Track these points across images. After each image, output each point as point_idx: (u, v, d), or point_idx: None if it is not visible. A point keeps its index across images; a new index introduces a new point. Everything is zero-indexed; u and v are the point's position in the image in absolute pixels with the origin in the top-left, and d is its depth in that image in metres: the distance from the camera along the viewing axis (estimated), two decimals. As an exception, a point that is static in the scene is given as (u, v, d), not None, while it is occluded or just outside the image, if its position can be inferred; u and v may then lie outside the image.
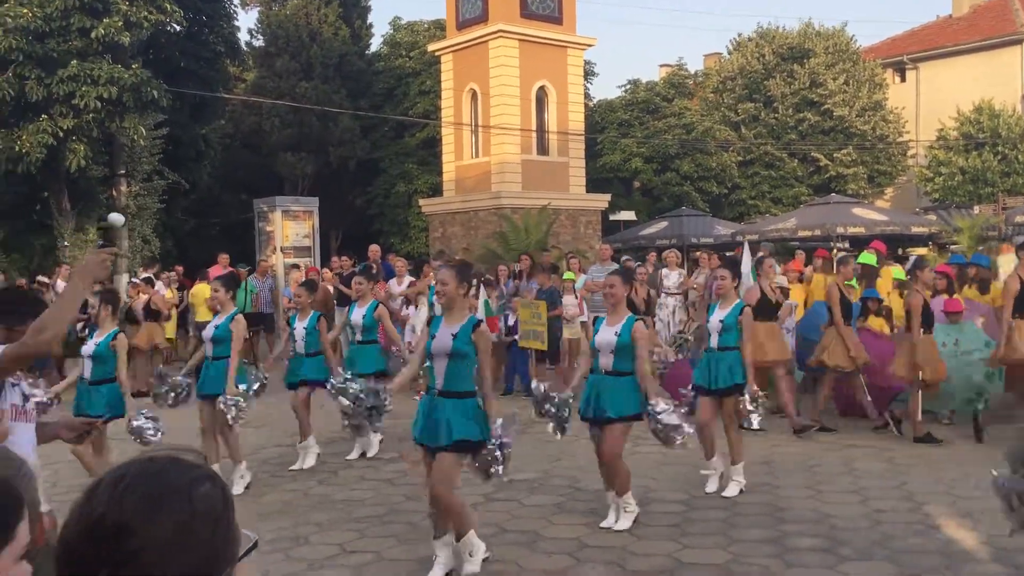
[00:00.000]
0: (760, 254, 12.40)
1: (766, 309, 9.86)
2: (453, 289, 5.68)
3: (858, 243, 22.04)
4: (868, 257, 11.91)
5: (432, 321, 5.94)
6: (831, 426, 9.93)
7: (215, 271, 16.10)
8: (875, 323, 10.68)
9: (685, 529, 6.57)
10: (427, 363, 5.83)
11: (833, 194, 26.70)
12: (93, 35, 17.89)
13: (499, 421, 5.72)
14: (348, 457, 9.15)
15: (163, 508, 1.20)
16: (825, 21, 47.98)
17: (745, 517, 6.80)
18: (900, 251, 23.88)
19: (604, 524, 6.60)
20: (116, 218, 3.50)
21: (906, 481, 7.70)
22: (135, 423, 7.39)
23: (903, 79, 36.68)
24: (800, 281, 12.93)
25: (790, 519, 6.71)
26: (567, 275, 13.85)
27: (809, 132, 32.43)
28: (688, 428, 6.48)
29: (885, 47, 37.76)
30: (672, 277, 15.39)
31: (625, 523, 6.53)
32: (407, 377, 6.49)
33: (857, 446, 9.16)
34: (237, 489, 8.00)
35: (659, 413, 6.37)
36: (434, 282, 6.09)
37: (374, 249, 16.45)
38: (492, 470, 5.68)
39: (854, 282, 11.78)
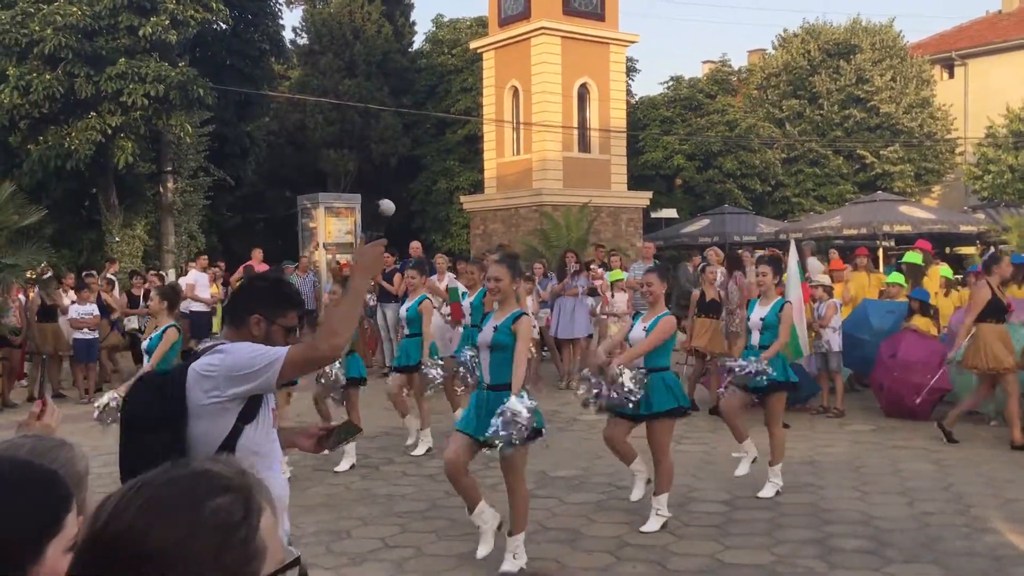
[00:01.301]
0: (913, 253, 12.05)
1: (996, 310, 9.02)
2: (507, 285, 5.68)
3: (904, 241, 21.74)
4: (914, 256, 11.74)
5: (484, 316, 5.99)
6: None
7: (250, 267, 16.29)
8: (921, 323, 10.53)
9: (727, 529, 6.52)
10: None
11: (879, 192, 26.35)
12: (141, 33, 18.17)
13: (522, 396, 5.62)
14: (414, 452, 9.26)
15: (165, 518, 1.13)
16: (872, 17, 47.39)
17: (789, 517, 6.73)
18: (948, 250, 23.52)
19: (633, 498, 6.78)
20: (388, 206, 3.29)
21: (953, 483, 7.58)
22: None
23: (951, 75, 36.07)
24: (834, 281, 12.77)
25: (835, 520, 6.63)
26: (615, 273, 13.78)
27: (855, 129, 32.02)
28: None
29: (933, 43, 37.17)
30: (719, 274, 15.28)
31: (653, 525, 6.47)
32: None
33: (903, 447, 9.04)
34: None
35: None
36: (485, 280, 6.04)
37: (415, 246, 16.47)
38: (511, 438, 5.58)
39: (902, 280, 11.63)
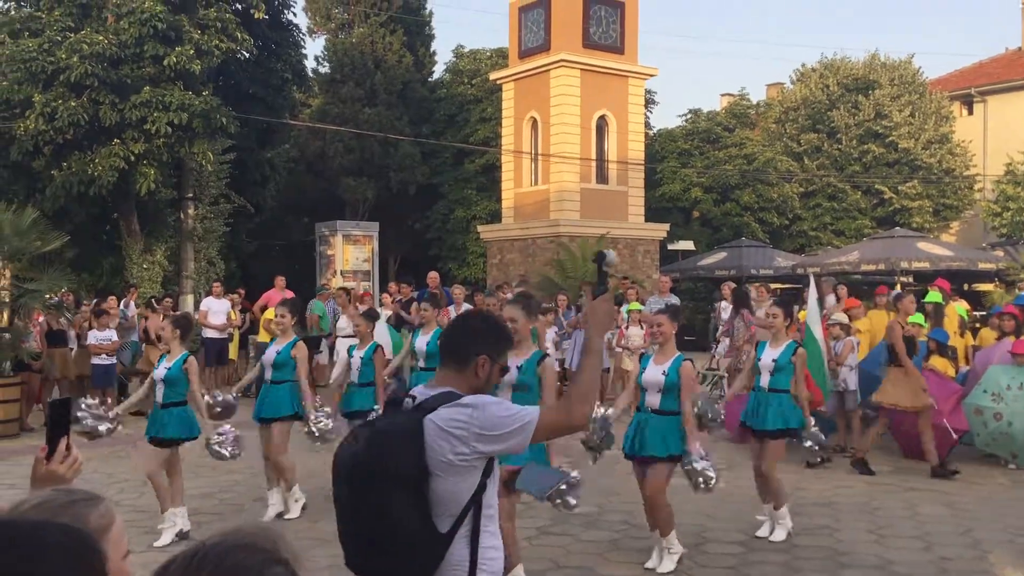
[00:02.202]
0: (897, 291, 12.13)
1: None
2: (524, 325, 5.72)
3: (923, 278, 21.68)
4: (935, 296, 11.69)
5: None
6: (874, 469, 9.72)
7: (273, 294, 16.34)
8: (939, 363, 10.48)
9: (743, 572, 6.49)
10: None
11: (897, 227, 26.28)
12: (165, 62, 18.41)
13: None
14: None
15: None
16: (891, 53, 47.39)
17: (805, 561, 6.69)
18: (966, 287, 23.40)
19: (648, 565, 6.53)
20: (612, 258, 3.19)
21: (972, 527, 7.53)
22: (213, 444, 7.59)
23: (970, 112, 36.05)
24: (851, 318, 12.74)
25: (851, 564, 6.59)
26: (632, 305, 13.79)
27: (873, 164, 31.99)
28: (712, 474, 6.36)
29: (952, 79, 37.18)
30: (730, 310, 15.24)
31: (669, 565, 6.44)
32: None
33: (918, 489, 8.98)
34: (294, 512, 8.10)
35: (693, 461, 6.30)
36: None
37: (433, 276, 16.50)
38: (562, 501, 5.68)
39: (922, 320, 11.59)
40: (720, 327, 15.04)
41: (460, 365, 2.88)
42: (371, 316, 9.56)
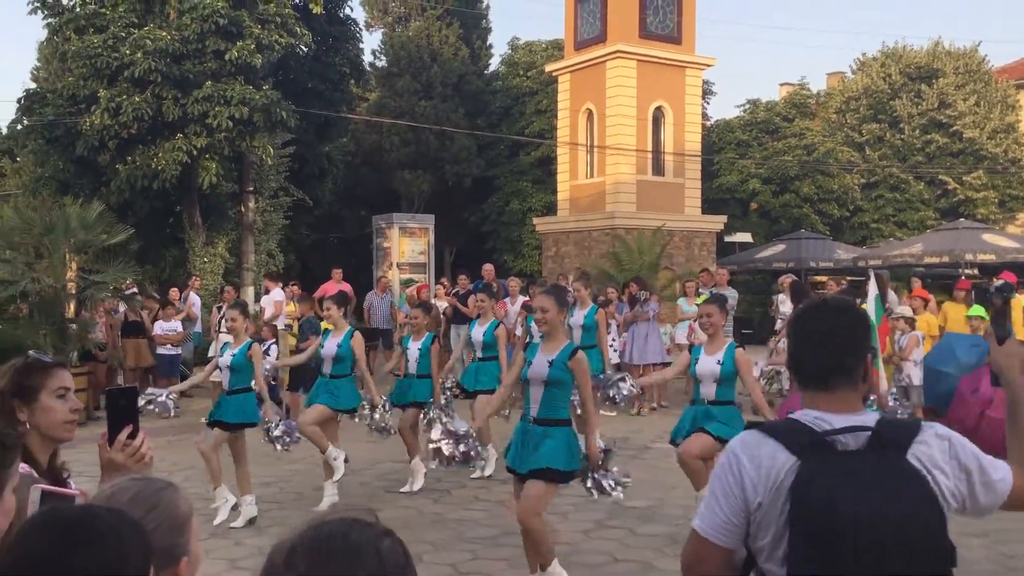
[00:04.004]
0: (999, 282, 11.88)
1: None
2: (554, 316, 5.68)
3: (988, 271, 21.18)
4: (978, 310, 11.44)
5: (528, 347, 5.94)
6: None
7: (329, 286, 16.48)
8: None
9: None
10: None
11: (961, 219, 25.72)
12: (227, 57, 18.68)
13: (602, 445, 5.72)
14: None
15: (359, 565, 1.29)
16: (955, 41, 46.44)
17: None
18: (1033, 280, 22.83)
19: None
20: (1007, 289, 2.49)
21: (1039, 526, 7.35)
22: (273, 431, 7.75)
23: (1038, 100, 35.11)
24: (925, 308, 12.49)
25: (914, 562, 6.48)
26: (702, 299, 13.67)
27: (937, 154, 31.34)
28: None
29: (1019, 68, 36.23)
30: (788, 303, 15.04)
31: None
32: (495, 408, 6.59)
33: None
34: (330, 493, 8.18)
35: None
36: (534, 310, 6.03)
37: (488, 268, 16.55)
38: (606, 492, 5.68)
39: (983, 312, 11.34)
40: (780, 320, 14.87)
41: (853, 375, 2.22)
42: (426, 308, 9.67)
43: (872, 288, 9.67)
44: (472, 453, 6.16)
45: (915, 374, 10.51)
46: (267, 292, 15.46)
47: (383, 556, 1.31)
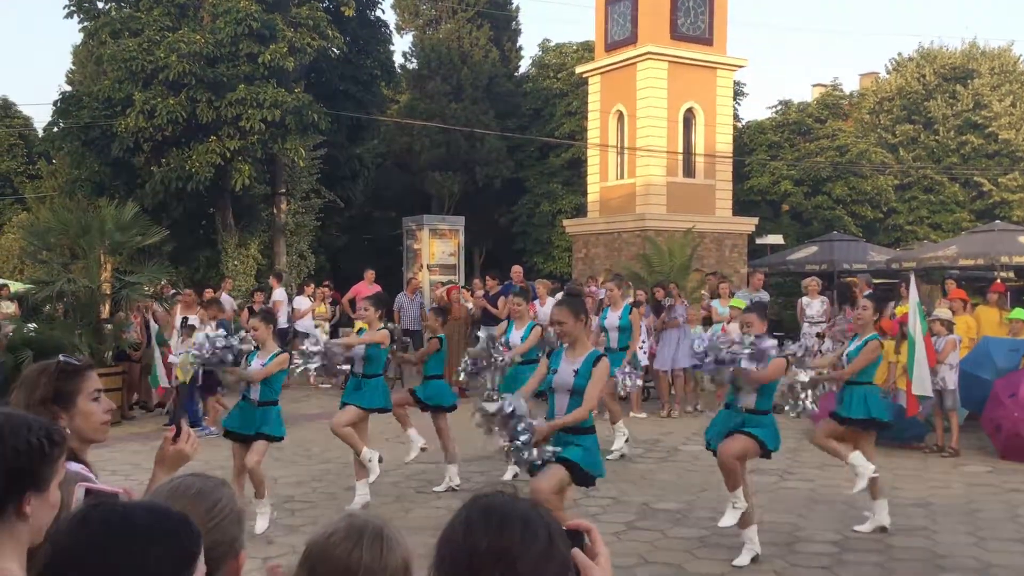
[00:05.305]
0: None
1: None
2: (572, 326, 5.65)
3: (1023, 274, 20.91)
4: (1019, 313, 11.28)
5: (552, 355, 5.90)
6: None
7: (361, 286, 16.56)
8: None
9: (836, 572, 6.36)
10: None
11: (997, 221, 25.35)
12: (260, 60, 18.85)
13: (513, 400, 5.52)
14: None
15: (533, 532, 1.49)
16: (991, 40, 45.81)
17: (901, 563, 6.53)
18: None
19: (736, 562, 6.44)
20: None
21: (1078, 533, 7.24)
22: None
23: (1077, 100, 34.58)
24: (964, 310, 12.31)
25: (950, 567, 6.41)
26: (735, 301, 13.57)
27: (972, 155, 30.97)
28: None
29: (1057, 66, 35.69)
30: (814, 306, 14.91)
31: (730, 519, 6.47)
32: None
33: (1020, 491, 8.67)
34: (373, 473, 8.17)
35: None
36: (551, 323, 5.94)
37: (517, 270, 16.54)
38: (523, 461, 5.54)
39: (1023, 315, 11.20)
40: (807, 323, 14.75)
41: None
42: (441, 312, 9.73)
43: (913, 294, 8.99)
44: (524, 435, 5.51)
45: (950, 378, 10.36)
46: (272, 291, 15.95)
47: (549, 523, 1.52)
